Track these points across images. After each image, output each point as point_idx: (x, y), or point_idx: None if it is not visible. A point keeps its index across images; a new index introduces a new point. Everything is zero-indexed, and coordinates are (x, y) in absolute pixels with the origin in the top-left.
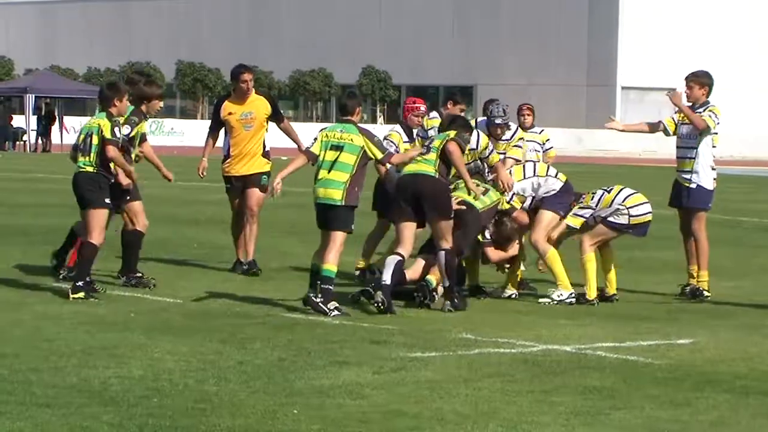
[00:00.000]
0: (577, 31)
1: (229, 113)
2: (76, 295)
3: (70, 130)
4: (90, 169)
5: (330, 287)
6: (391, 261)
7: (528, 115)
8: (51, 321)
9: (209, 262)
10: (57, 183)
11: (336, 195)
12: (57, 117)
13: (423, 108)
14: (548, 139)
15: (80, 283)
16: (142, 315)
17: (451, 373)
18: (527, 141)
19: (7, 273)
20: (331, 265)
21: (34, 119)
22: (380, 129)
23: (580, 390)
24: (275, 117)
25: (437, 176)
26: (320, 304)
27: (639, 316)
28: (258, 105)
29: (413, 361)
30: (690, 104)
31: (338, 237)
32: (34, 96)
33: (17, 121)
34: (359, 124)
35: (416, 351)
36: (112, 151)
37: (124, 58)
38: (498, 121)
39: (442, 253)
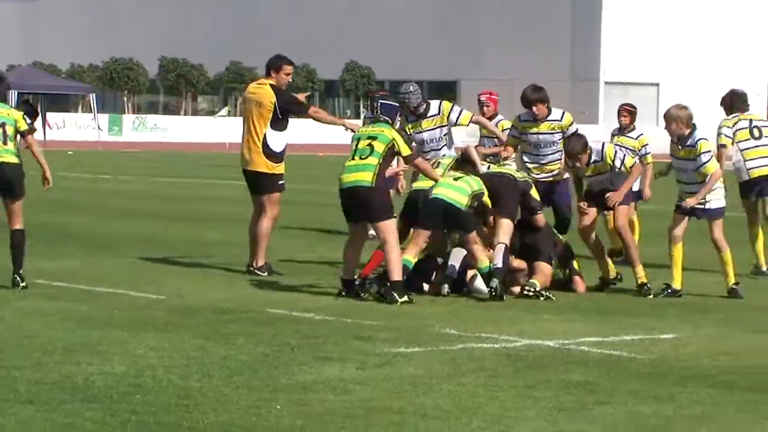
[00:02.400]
0: (561, 27)
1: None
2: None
3: (53, 126)
4: (15, 159)
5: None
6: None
7: (625, 116)
8: (33, 317)
9: (192, 258)
10: (39, 179)
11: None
12: (40, 113)
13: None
14: (646, 144)
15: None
16: (124, 311)
17: (434, 368)
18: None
19: None
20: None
21: None
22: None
23: (563, 385)
24: None
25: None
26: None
27: (622, 311)
28: None
29: (397, 356)
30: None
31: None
32: (17, 92)
33: None
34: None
35: (400, 346)
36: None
37: (107, 53)
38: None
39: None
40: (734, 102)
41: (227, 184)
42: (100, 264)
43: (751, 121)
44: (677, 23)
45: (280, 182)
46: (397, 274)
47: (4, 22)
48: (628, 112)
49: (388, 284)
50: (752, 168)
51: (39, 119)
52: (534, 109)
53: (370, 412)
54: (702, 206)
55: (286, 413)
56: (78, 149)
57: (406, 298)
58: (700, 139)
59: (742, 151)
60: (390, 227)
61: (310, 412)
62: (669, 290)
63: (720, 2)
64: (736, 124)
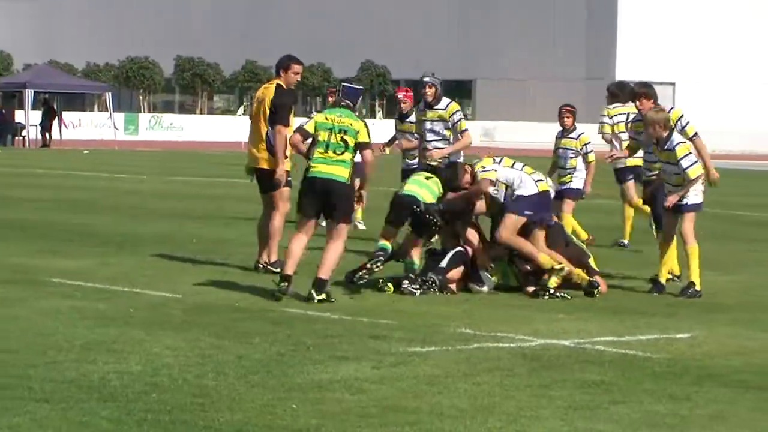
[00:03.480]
0: (576, 25)
1: None
2: None
3: (69, 125)
4: None
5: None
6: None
7: (568, 117)
8: (50, 316)
9: (209, 257)
10: (56, 178)
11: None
12: (56, 112)
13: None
14: (587, 143)
15: None
16: (141, 310)
17: (449, 367)
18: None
19: (6, 268)
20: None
21: (33, 114)
22: (379, 124)
23: (578, 384)
24: None
25: None
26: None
27: (637, 310)
28: None
29: (412, 355)
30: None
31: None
32: (33, 91)
33: (17, 116)
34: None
35: (415, 346)
36: None
37: (123, 52)
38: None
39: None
40: (620, 93)
41: (243, 182)
42: (117, 263)
43: (628, 114)
44: (693, 22)
45: (288, 178)
46: (327, 273)
47: (21, 22)
48: (570, 113)
49: (319, 279)
50: (628, 157)
51: (55, 118)
52: (638, 103)
53: (385, 412)
54: (681, 201)
55: (301, 412)
56: (94, 148)
57: (324, 296)
58: (677, 144)
59: (621, 141)
60: (346, 229)
61: (325, 412)
62: (656, 286)
63: (735, 0)
64: (616, 115)
